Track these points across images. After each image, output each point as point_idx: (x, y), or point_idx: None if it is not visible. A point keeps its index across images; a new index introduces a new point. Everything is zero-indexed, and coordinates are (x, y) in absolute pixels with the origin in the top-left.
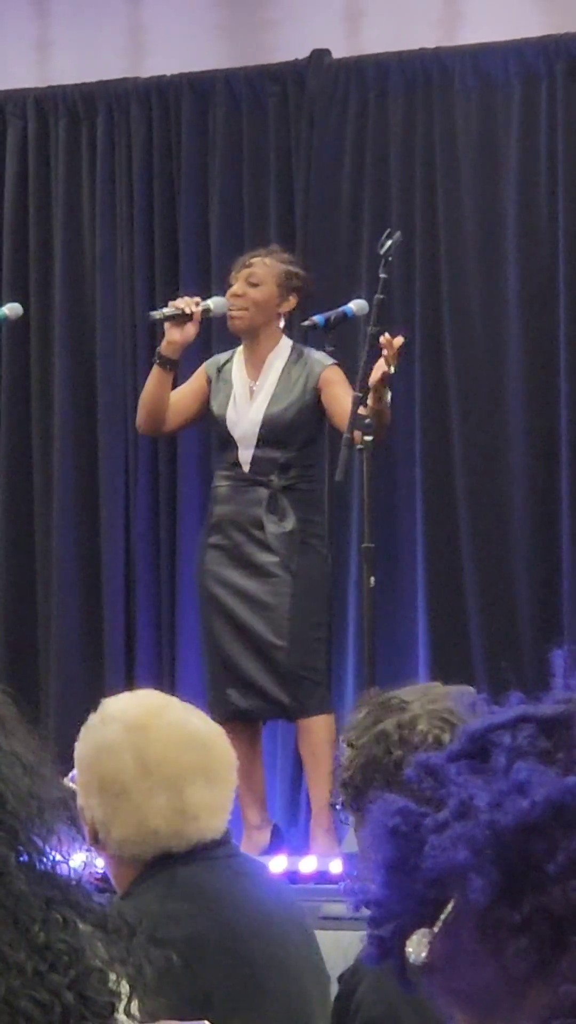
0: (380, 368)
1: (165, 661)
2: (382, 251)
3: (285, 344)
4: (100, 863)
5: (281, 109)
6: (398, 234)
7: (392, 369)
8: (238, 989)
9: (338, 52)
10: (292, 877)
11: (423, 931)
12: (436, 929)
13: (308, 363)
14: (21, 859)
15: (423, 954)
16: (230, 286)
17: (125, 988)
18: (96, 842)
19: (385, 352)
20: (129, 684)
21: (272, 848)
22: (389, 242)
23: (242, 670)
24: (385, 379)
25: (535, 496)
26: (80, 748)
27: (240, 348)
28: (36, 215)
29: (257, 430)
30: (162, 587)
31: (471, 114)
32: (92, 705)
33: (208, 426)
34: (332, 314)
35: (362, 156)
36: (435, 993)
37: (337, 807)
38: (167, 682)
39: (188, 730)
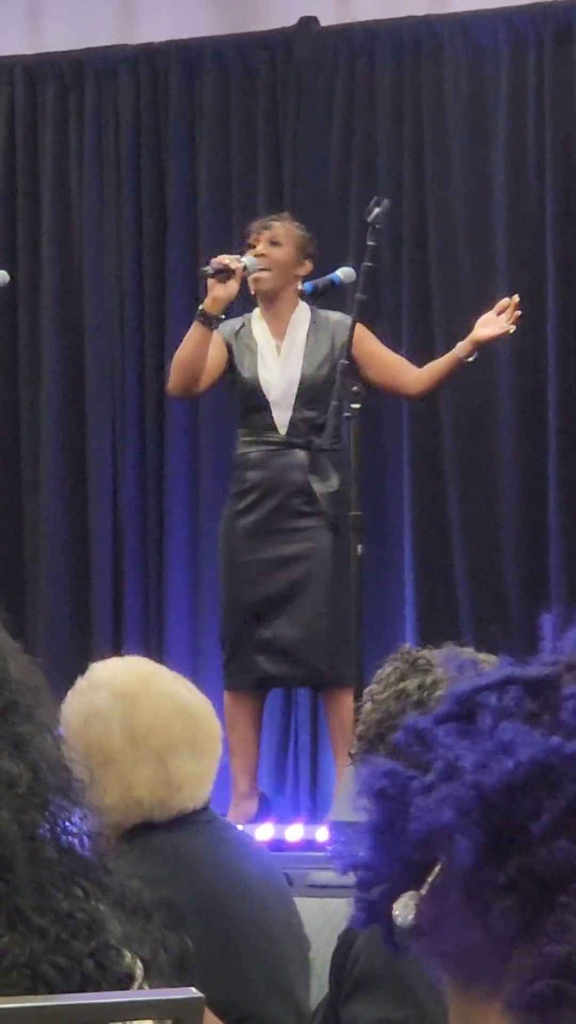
0: (503, 327)
1: (153, 628)
2: (370, 218)
3: (303, 306)
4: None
5: (269, 77)
6: (386, 201)
7: (512, 330)
8: (216, 952)
9: (326, 20)
10: (278, 845)
11: (410, 893)
12: (423, 891)
13: (331, 322)
14: (50, 828)
15: (410, 916)
16: (250, 248)
17: (139, 970)
18: None
19: (511, 312)
20: (117, 652)
21: (259, 817)
22: (377, 209)
23: (276, 637)
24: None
25: (523, 461)
26: (67, 713)
27: (254, 313)
28: (25, 182)
29: (295, 390)
30: (150, 554)
31: (460, 81)
32: (80, 673)
33: (224, 390)
34: (320, 281)
35: (350, 123)
36: (422, 955)
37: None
38: (154, 649)
39: (176, 700)
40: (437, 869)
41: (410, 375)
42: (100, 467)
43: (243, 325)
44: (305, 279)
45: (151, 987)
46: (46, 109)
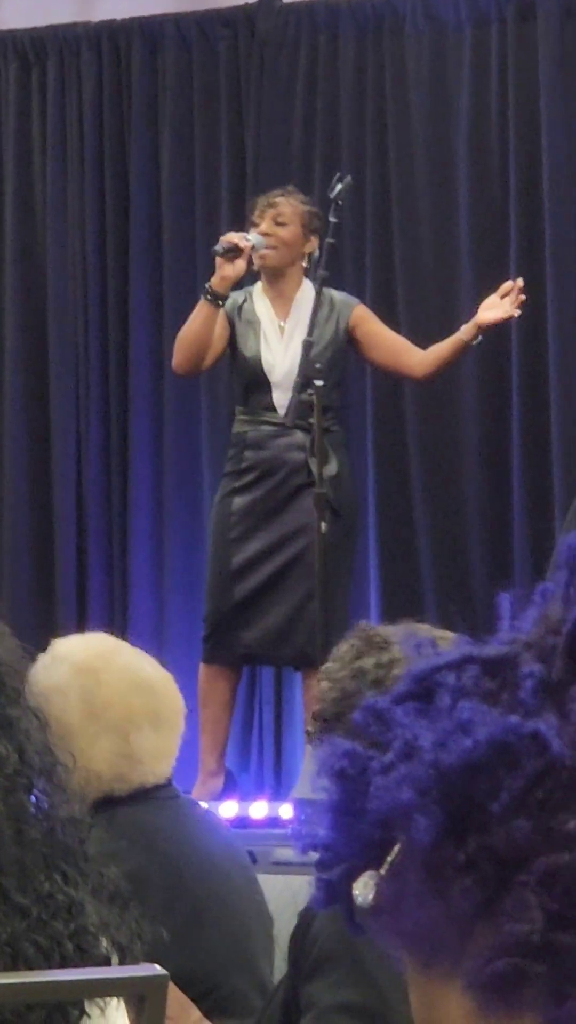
0: (507, 311)
1: (117, 605)
2: (333, 195)
3: (308, 285)
4: None
5: (231, 53)
6: (349, 178)
7: (517, 314)
8: (179, 926)
9: None
10: (243, 822)
11: (370, 873)
12: (383, 871)
13: (335, 303)
14: (34, 811)
15: (370, 896)
16: (254, 225)
17: (115, 957)
18: None
19: (515, 296)
20: (81, 629)
21: (223, 794)
22: (340, 186)
23: (265, 615)
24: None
25: (486, 440)
26: (28, 688)
27: (256, 288)
28: None
29: (296, 372)
30: (114, 532)
31: (422, 58)
32: (44, 650)
33: (225, 367)
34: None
35: (313, 100)
36: (382, 935)
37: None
38: (119, 626)
39: (138, 675)
40: (396, 848)
41: (415, 358)
42: (64, 445)
43: (245, 300)
44: (310, 256)
45: None
46: (8, 86)
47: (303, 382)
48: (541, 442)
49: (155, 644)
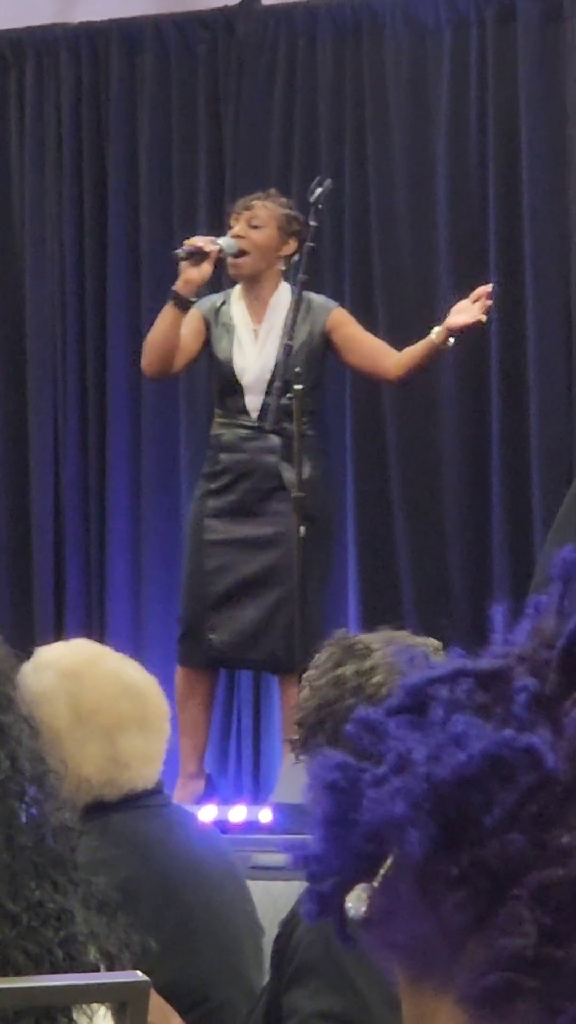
0: (475, 316)
1: (95, 608)
2: (312, 199)
3: (285, 288)
4: None
5: (210, 56)
6: (328, 181)
7: (485, 318)
8: (171, 935)
9: None
10: (222, 826)
11: (362, 886)
12: (375, 883)
13: (312, 307)
14: (25, 818)
15: (362, 909)
16: (229, 228)
17: (103, 966)
18: None
19: (483, 302)
20: (58, 632)
21: (204, 797)
22: (319, 190)
23: (236, 619)
24: (472, 327)
25: (465, 446)
26: (20, 695)
27: (235, 291)
28: None
29: (269, 376)
30: (91, 535)
31: (401, 61)
32: (21, 653)
33: (202, 370)
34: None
35: (292, 103)
36: (374, 948)
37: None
38: (96, 629)
39: (123, 679)
40: (389, 861)
41: (390, 360)
42: (41, 448)
43: (223, 303)
44: (289, 258)
45: None
46: None
47: (282, 385)
48: (520, 447)
49: (132, 647)
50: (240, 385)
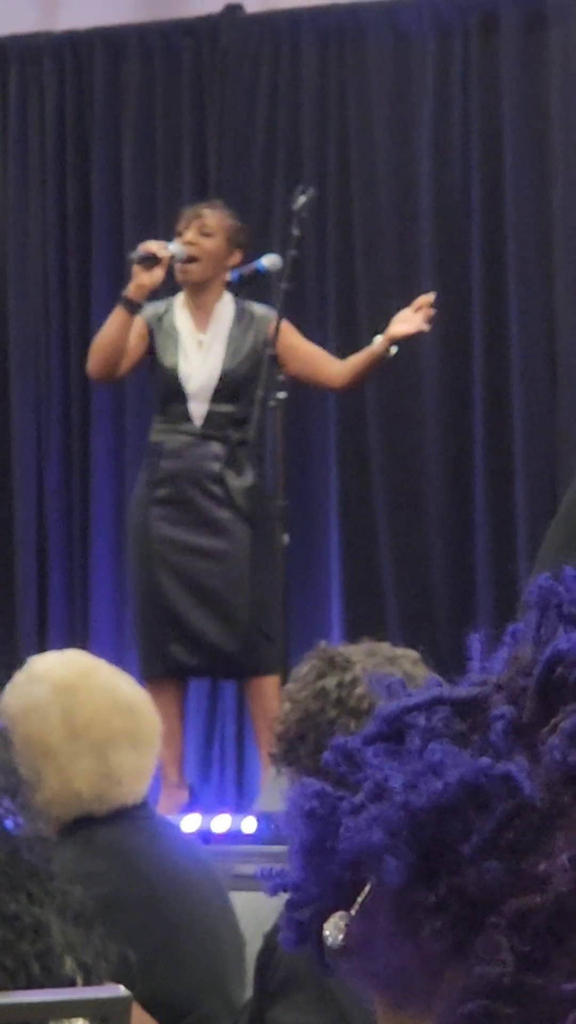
0: (418, 326)
1: (78, 618)
2: (295, 207)
3: (228, 298)
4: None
5: (194, 64)
6: (312, 190)
7: (428, 328)
8: (156, 949)
9: (251, 7)
10: (205, 836)
11: (340, 914)
12: (353, 912)
13: (255, 317)
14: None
15: (340, 937)
16: (178, 235)
17: (80, 978)
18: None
19: (425, 311)
20: (42, 641)
21: (186, 807)
22: (303, 198)
23: (192, 627)
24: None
25: (449, 452)
26: (5, 706)
27: (178, 299)
28: None
29: (214, 384)
30: (74, 544)
31: (384, 69)
32: (3, 662)
33: (147, 378)
34: (245, 269)
35: (275, 111)
36: (353, 975)
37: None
38: (79, 638)
39: (117, 694)
40: (367, 889)
41: (332, 368)
42: (24, 457)
43: (167, 310)
44: (232, 269)
45: None
46: None
47: (264, 395)
48: (503, 454)
49: (116, 658)
50: (184, 392)
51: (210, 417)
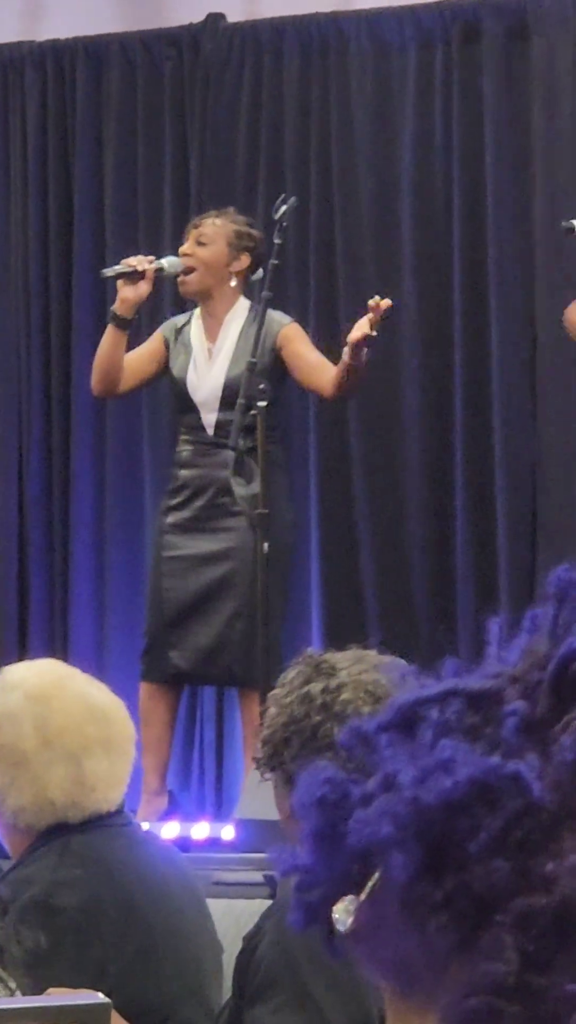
0: (362, 329)
1: (58, 626)
2: (277, 216)
3: (243, 304)
4: None
5: (176, 73)
6: (293, 199)
7: (375, 332)
8: (134, 956)
9: (233, 16)
10: (184, 843)
11: (350, 898)
12: (363, 897)
13: (266, 323)
14: None
15: (349, 921)
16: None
17: None
18: None
19: (371, 315)
20: (22, 649)
21: (166, 814)
22: (284, 207)
23: (193, 635)
24: (366, 340)
25: (429, 459)
26: None
27: (198, 310)
28: None
29: (219, 393)
30: (55, 552)
31: (367, 79)
32: None
33: (157, 389)
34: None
35: (257, 121)
36: (360, 960)
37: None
38: (59, 646)
39: (89, 702)
40: (377, 876)
41: (325, 378)
42: (5, 465)
43: (186, 323)
44: (243, 274)
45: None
46: None
47: (245, 402)
48: (484, 461)
49: (95, 665)
50: (193, 403)
51: (220, 425)
